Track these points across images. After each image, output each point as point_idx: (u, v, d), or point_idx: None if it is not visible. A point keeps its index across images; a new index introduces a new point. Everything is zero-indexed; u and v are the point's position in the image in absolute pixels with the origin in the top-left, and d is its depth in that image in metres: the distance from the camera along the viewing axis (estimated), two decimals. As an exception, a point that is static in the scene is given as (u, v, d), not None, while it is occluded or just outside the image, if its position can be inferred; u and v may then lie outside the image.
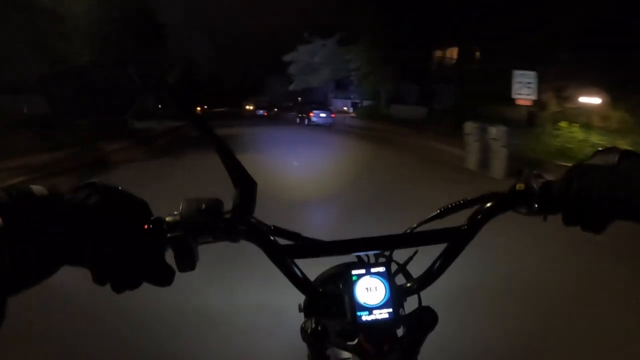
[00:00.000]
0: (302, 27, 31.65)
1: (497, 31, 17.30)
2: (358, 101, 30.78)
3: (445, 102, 22.87)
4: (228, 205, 0.56)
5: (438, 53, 26.40)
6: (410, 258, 0.69)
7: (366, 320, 0.56)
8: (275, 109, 40.76)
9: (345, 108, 29.65)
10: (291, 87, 33.71)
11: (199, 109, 44.24)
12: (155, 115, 24.20)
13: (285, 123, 27.53)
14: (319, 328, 0.58)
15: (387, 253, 0.67)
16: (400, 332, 0.61)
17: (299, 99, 38.54)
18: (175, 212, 0.52)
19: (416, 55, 25.28)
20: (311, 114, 23.69)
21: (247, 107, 45.80)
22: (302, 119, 25.31)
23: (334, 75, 29.68)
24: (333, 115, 24.11)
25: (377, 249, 0.66)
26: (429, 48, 25.81)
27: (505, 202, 0.61)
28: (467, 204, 0.65)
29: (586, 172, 0.54)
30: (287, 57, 32.08)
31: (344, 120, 25.84)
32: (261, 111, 40.72)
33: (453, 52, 25.14)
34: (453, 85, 22.88)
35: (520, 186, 0.60)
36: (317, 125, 23.27)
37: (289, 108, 39.77)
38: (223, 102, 53.84)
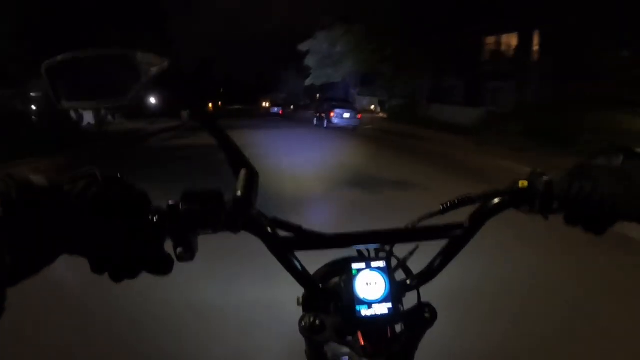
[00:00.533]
0: (319, 17, 26.87)
1: (580, 9, 12.39)
2: (384, 99, 25.79)
3: (501, 102, 18.00)
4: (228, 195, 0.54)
5: (489, 40, 21.31)
6: (411, 253, 0.67)
7: (365, 314, 0.56)
8: (292, 107, 37.24)
9: (372, 107, 24.50)
10: (308, 82, 28.71)
11: (211, 105, 41.72)
12: (149, 113, 20.52)
13: (300, 124, 22.81)
14: (318, 322, 0.58)
15: (387, 248, 0.66)
16: (399, 327, 0.60)
17: (318, 95, 34.53)
18: (176, 202, 0.51)
19: (462, 43, 20.38)
20: (332, 114, 18.75)
21: (264, 104, 43.63)
22: (320, 119, 20.44)
23: (359, 67, 24.63)
24: (359, 117, 19.21)
25: (378, 243, 0.65)
26: (477, 34, 20.79)
27: (508, 200, 0.60)
28: (469, 200, 0.64)
29: (589, 173, 0.54)
30: (303, 46, 27.07)
31: (371, 122, 20.84)
32: (276, 109, 37.10)
33: (511, 40, 19.99)
34: (514, 81, 17.91)
35: (523, 184, 0.59)
36: (338, 129, 18.42)
37: (306, 106, 35.59)
38: (239, 99, 51.98)
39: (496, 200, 0.61)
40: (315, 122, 21.42)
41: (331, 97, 22.53)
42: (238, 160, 0.55)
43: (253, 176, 0.54)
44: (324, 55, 25.92)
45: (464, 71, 21.12)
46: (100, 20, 12.68)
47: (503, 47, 20.65)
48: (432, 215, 0.66)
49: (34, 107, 12.83)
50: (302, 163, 8.72)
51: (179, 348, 2.27)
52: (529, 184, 0.58)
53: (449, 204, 0.65)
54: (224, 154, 0.55)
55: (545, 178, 0.57)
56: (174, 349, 2.27)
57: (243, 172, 0.54)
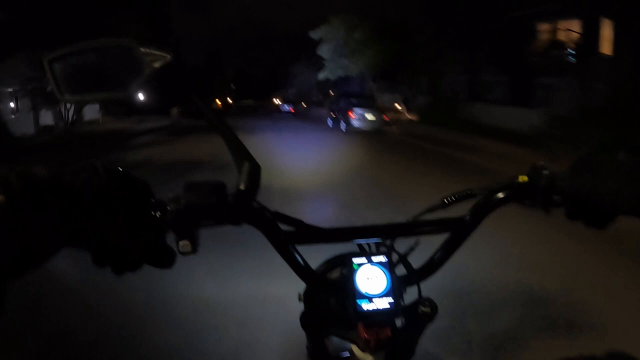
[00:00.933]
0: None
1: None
2: (409, 96, 22.16)
3: (556, 102, 14.63)
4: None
5: (543, 27, 17.67)
6: (412, 248, 0.66)
7: (366, 309, 0.56)
8: (303, 104, 34.13)
9: (398, 106, 20.79)
10: (322, 76, 25.09)
11: (218, 101, 39.87)
12: (139, 110, 17.86)
13: (313, 126, 19.47)
14: (319, 316, 0.59)
15: (388, 242, 0.65)
16: (400, 322, 0.60)
17: (331, 92, 31.41)
18: (178, 194, 0.50)
19: (508, 30, 16.86)
20: (351, 115, 15.24)
21: (275, 100, 40.93)
22: (336, 120, 16.90)
23: (379, 58, 21.00)
24: (386, 118, 15.66)
25: (379, 237, 0.64)
26: (528, 20, 17.20)
27: (509, 194, 0.60)
28: (470, 194, 0.64)
29: (591, 167, 0.53)
30: (315, 33, 23.31)
31: (398, 124, 17.27)
32: (286, 106, 34.29)
33: (572, 27, 16.34)
34: (574, 77, 14.41)
35: (523, 178, 0.58)
36: (360, 133, 14.91)
37: (319, 103, 32.57)
38: (251, 95, 51.84)
39: (497, 195, 0.60)
40: (330, 124, 17.94)
41: (348, 93, 18.95)
42: (240, 153, 0.54)
43: (255, 169, 0.54)
44: (340, 44, 22.22)
45: (509, 64, 17.55)
46: (89, 7, 11.76)
47: (560, 37, 17.00)
48: (433, 209, 0.66)
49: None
50: (313, 204, 5.31)
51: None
52: (529, 178, 0.58)
53: (450, 198, 0.65)
54: (225, 145, 0.54)
55: (546, 172, 0.56)
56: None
57: (246, 165, 0.53)
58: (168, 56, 0.51)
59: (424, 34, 18.46)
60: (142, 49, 0.50)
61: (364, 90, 25.26)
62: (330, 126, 17.83)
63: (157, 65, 0.50)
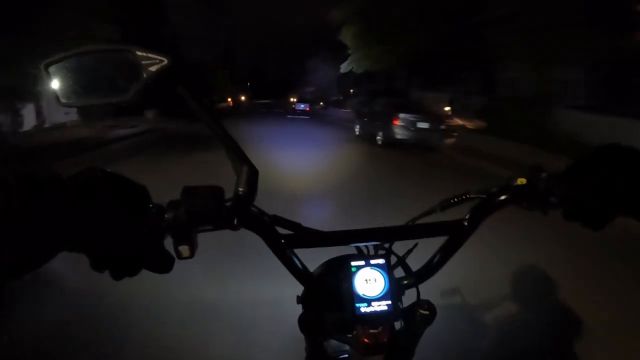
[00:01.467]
0: None
1: None
2: (456, 96, 17.50)
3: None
4: (229, 193, 0.53)
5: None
6: (410, 251, 0.67)
7: (365, 311, 0.56)
8: (321, 103, 32.45)
9: (447, 109, 16.11)
10: (344, 67, 20.39)
11: (230, 100, 38.36)
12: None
13: (334, 133, 15.22)
14: (317, 319, 0.58)
15: (386, 245, 0.66)
16: (398, 324, 0.60)
17: (351, 90, 27.21)
18: (176, 199, 0.50)
19: (594, 13, 12.30)
20: (396, 122, 10.63)
21: (292, 99, 39.24)
22: (366, 127, 12.44)
23: (426, 46, 16.35)
24: (444, 127, 11.09)
25: (377, 240, 0.65)
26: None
27: (507, 196, 0.60)
28: (468, 197, 0.64)
29: (588, 169, 0.53)
30: (338, 14, 18.28)
31: (453, 134, 12.61)
32: (302, 105, 31.90)
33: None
34: None
35: (521, 180, 0.58)
36: (408, 148, 10.52)
37: (338, 102, 28.78)
38: (267, 93, 50.32)
39: (496, 197, 0.60)
40: (357, 130, 13.53)
41: (383, 91, 14.42)
42: (238, 156, 0.54)
43: (253, 174, 0.53)
44: (368, 26, 17.43)
45: (595, 58, 12.95)
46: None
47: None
48: (431, 212, 0.66)
49: None
50: None
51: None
52: (527, 180, 0.57)
53: (448, 201, 0.65)
54: (224, 150, 0.54)
55: (544, 174, 0.56)
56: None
57: (244, 170, 0.53)
58: (166, 60, 0.50)
59: (479, 16, 14.04)
60: (139, 53, 0.49)
61: (394, 87, 20.72)
62: (357, 133, 13.44)
63: (154, 69, 0.49)
